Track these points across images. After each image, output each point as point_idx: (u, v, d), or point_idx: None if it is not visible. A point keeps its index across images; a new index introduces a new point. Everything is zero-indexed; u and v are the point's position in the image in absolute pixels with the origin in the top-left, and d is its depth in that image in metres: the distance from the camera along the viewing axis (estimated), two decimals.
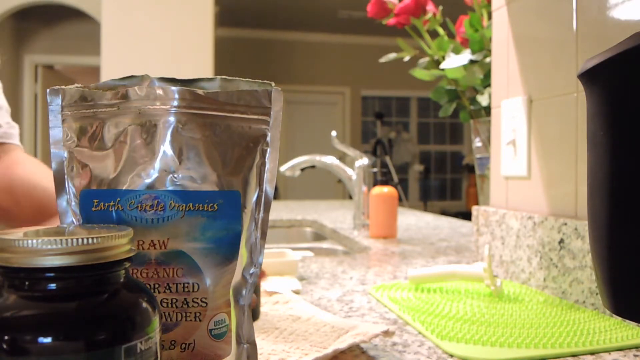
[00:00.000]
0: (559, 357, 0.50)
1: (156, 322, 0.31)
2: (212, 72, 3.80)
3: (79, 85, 0.36)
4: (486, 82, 1.07)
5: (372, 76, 6.95)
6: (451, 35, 1.20)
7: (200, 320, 0.35)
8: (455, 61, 1.08)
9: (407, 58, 1.26)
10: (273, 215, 1.84)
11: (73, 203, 0.36)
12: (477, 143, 1.10)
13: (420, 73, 1.20)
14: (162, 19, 3.63)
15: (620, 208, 0.38)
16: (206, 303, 0.35)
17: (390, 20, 1.24)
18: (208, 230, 0.35)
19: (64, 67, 6.40)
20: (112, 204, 0.35)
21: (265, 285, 0.74)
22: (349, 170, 1.54)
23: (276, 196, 6.32)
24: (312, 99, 7.03)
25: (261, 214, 0.37)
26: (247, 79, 0.38)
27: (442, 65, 1.12)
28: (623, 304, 0.39)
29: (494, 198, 0.90)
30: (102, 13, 3.68)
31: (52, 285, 0.28)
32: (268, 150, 0.37)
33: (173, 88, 0.35)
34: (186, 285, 0.35)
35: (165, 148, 0.35)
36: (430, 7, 1.21)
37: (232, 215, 0.35)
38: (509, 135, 0.85)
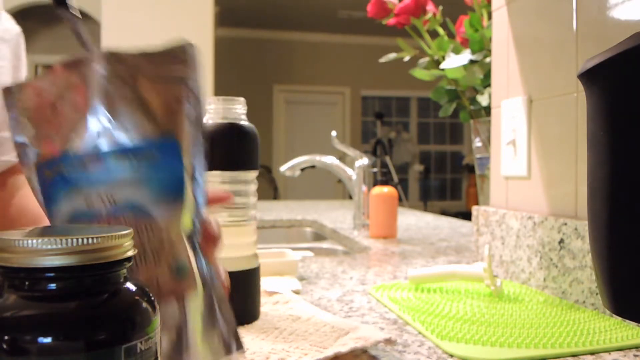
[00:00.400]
0: (559, 357, 0.50)
1: (156, 322, 0.31)
2: (212, 72, 3.80)
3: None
4: (486, 82, 1.07)
5: (372, 76, 6.95)
6: (451, 35, 1.20)
7: (159, 259, 0.36)
8: (455, 61, 1.08)
9: (407, 58, 1.26)
10: (273, 215, 1.84)
11: (34, 181, 0.37)
12: (477, 143, 1.10)
13: (420, 73, 1.20)
14: (162, 19, 3.63)
15: (620, 208, 0.38)
16: (162, 245, 0.36)
17: (390, 20, 1.24)
18: (151, 176, 0.36)
19: None
20: (56, 169, 0.36)
21: (265, 285, 0.74)
22: (349, 170, 1.54)
23: (276, 196, 6.32)
24: (312, 99, 7.03)
25: (198, 157, 0.38)
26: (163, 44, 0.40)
27: (442, 65, 1.12)
28: (623, 304, 0.39)
29: (494, 198, 0.90)
30: (102, 13, 3.68)
31: (52, 285, 0.28)
32: (193, 98, 0.38)
33: (97, 50, 0.37)
34: (141, 231, 0.36)
35: (97, 107, 0.36)
36: (430, 7, 1.21)
37: (172, 161, 0.36)
38: (509, 135, 0.85)
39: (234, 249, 0.59)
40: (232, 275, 0.59)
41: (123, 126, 0.36)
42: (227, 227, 0.59)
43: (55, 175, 0.36)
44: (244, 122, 0.61)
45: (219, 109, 0.60)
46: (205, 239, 0.39)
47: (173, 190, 0.36)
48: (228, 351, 0.38)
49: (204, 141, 0.38)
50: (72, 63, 0.37)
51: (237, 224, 0.60)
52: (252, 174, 0.61)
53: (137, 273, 0.35)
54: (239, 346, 0.38)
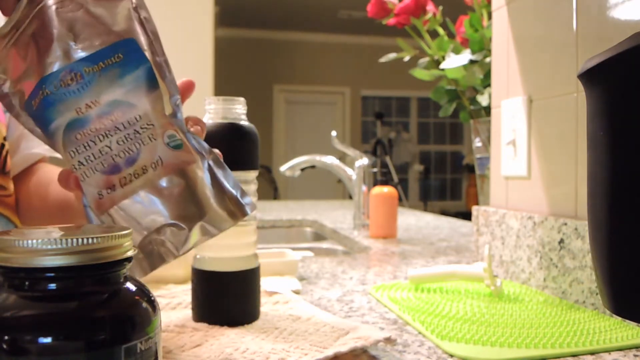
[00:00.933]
0: (559, 357, 0.50)
1: (156, 322, 0.31)
2: (212, 72, 3.80)
3: None
4: (486, 82, 1.07)
5: (372, 76, 6.95)
6: (451, 35, 1.20)
7: (155, 140, 0.40)
8: (455, 61, 1.08)
9: (407, 58, 1.26)
10: (273, 215, 1.84)
11: (24, 118, 0.42)
12: (477, 143, 1.10)
13: (420, 73, 1.20)
14: (162, 19, 3.62)
15: (620, 208, 0.38)
16: (152, 124, 0.41)
17: (390, 20, 1.24)
18: (124, 75, 0.40)
19: None
20: (40, 93, 0.40)
21: (265, 285, 0.74)
22: (349, 170, 1.54)
23: (276, 196, 6.32)
24: (312, 99, 7.03)
25: (161, 57, 0.43)
26: None
27: (442, 65, 1.12)
28: (623, 304, 0.39)
29: (494, 198, 0.90)
30: None
31: (52, 285, 0.28)
32: (136, 5, 0.43)
33: None
34: (130, 121, 0.40)
35: (58, 31, 0.40)
36: (430, 7, 1.21)
37: (136, 56, 0.41)
38: (509, 135, 0.85)
39: (234, 249, 0.59)
40: (233, 275, 0.60)
41: (85, 42, 0.40)
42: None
43: (41, 98, 0.40)
44: (244, 122, 0.61)
45: (219, 109, 0.60)
46: (191, 123, 0.45)
47: (146, 80, 0.41)
48: (242, 212, 0.44)
49: (155, 35, 0.43)
50: (22, 5, 0.41)
51: (237, 225, 0.60)
52: (252, 174, 0.61)
53: (142, 157, 0.40)
54: (248, 204, 0.44)
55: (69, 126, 0.40)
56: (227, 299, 0.59)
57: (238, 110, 0.60)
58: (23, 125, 0.42)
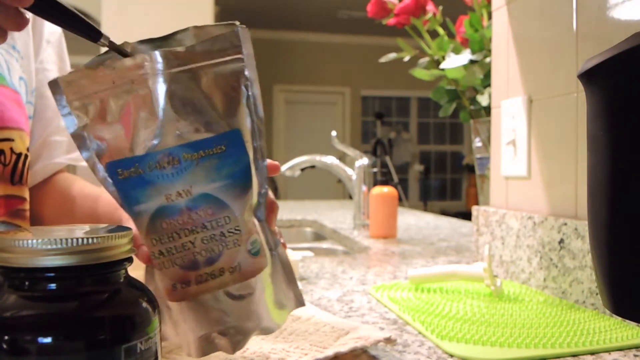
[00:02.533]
0: (559, 357, 0.50)
1: (156, 322, 0.31)
2: None
3: (71, 69, 0.39)
4: (486, 82, 1.07)
5: (372, 76, 6.94)
6: (451, 35, 1.20)
7: (239, 246, 0.40)
8: (455, 61, 1.08)
9: (407, 58, 1.26)
10: None
11: (106, 177, 0.39)
12: (477, 143, 1.10)
13: (420, 73, 1.20)
14: (162, 19, 3.63)
15: (620, 208, 0.38)
16: (240, 230, 0.40)
17: (390, 20, 1.24)
18: (222, 169, 0.39)
19: None
20: (133, 170, 0.37)
21: None
22: (349, 170, 1.54)
23: (276, 196, 6.32)
24: (312, 99, 7.03)
25: (259, 142, 0.42)
26: (215, 24, 0.41)
27: (442, 65, 1.12)
28: (623, 304, 0.39)
29: (494, 198, 0.90)
30: (102, 13, 3.68)
31: (52, 285, 0.28)
32: (249, 83, 0.41)
33: (156, 52, 0.37)
34: (218, 221, 0.39)
35: (164, 109, 0.37)
36: (430, 7, 1.21)
37: (238, 150, 0.39)
38: (509, 135, 0.85)
39: None
40: None
41: (192, 127, 0.38)
42: None
43: (132, 176, 0.38)
44: None
45: None
46: (267, 210, 0.44)
47: (242, 179, 0.40)
48: (300, 303, 0.45)
49: (260, 118, 0.41)
50: (129, 65, 0.38)
51: None
52: None
53: (222, 259, 0.39)
54: (300, 296, 0.45)
55: (157, 212, 0.38)
56: None
57: None
58: (92, 170, 0.40)
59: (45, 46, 0.71)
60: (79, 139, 0.39)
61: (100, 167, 0.39)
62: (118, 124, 0.38)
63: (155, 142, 0.37)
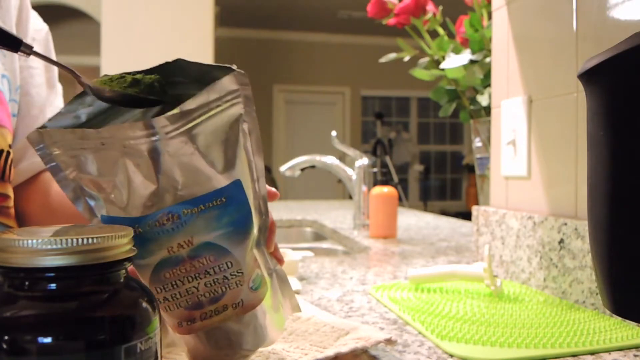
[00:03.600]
0: (559, 357, 0.50)
1: (156, 322, 0.31)
2: None
3: (54, 128, 0.38)
4: (486, 82, 1.07)
5: (372, 76, 6.95)
6: (451, 35, 1.20)
7: (241, 285, 0.40)
8: (455, 61, 1.08)
9: (407, 58, 1.26)
10: (273, 216, 1.83)
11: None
12: (477, 143, 1.10)
13: (420, 73, 1.20)
14: (162, 19, 3.63)
15: (621, 208, 0.38)
16: (242, 272, 0.40)
17: (390, 20, 1.24)
18: (223, 218, 0.38)
19: None
20: (134, 229, 0.36)
21: None
22: (349, 170, 1.54)
23: None
24: (312, 99, 7.03)
25: (259, 183, 0.42)
26: (207, 63, 0.40)
27: (442, 65, 1.12)
28: (623, 304, 0.39)
29: (494, 198, 0.90)
30: (102, 13, 3.67)
31: (52, 285, 0.28)
32: (247, 126, 0.40)
33: (151, 120, 0.35)
34: (221, 266, 0.39)
35: (162, 173, 0.36)
36: (430, 7, 1.21)
37: (239, 199, 0.39)
38: (509, 135, 0.85)
39: None
40: None
41: (191, 188, 0.37)
42: None
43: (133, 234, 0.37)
44: None
45: None
46: (268, 232, 0.45)
47: (243, 225, 0.40)
48: (297, 308, 0.47)
49: (259, 156, 0.41)
50: (121, 129, 0.36)
51: None
52: None
53: (225, 297, 0.40)
54: (296, 305, 0.48)
55: (158, 265, 0.38)
56: None
57: None
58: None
59: (31, 44, 0.71)
60: (64, 180, 0.38)
61: (94, 216, 0.39)
62: (110, 182, 0.37)
63: (154, 204, 0.37)
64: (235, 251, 0.39)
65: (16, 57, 0.67)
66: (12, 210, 0.64)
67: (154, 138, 0.35)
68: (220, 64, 0.39)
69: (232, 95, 0.38)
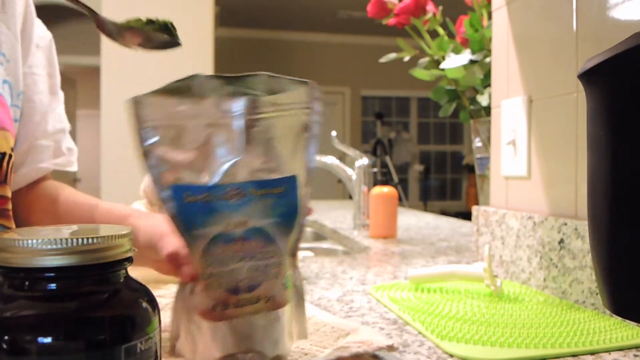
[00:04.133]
0: (559, 357, 0.50)
1: (156, 322, 0.31)
2: (212, 72, 3.80)
3: (151, 93, 0.40)
4: (486, 82, 1.07)
5: (372, 76, 6.94)
6: (451, 35, 1.20)
7: (276, 278, 0.43)
8: (455, 61, 1.08)
9: (407, 58, 1.26)
10: None
11: (167, 197, 0.41)
12: (477, 143, 1.10)
13: (420, 73, 1.20)
14: (162, 19, 3.62)
15: (621, 208, 0.38)
16: (281, 264, 0.43)
17: (390, 20, 1.24)
18: (276, 208, 0.42)
19: (64, 67, 6.38)
20: (202, 196, 0.40)
21: None
22: (349, 170, 1.54)
23: None
24: None
25: (307, 189, 0.45)
26: (288, 77, 0.45)
27: (442, 65, 1.12)
28: (623, 304, 0.39)
29: (494, 198, 0.90)
30: (102, 13, 3.67)
31: (52, 285, 0.28)
32: (313, 137, 0.45)
33: (242, 99, 0.41)
34: (265, 253, 0.42)
35: (241, 149, 0.41)
36: (430, 7, 1.21)
37: (292, 194, 0.43)
38: (509, 135, 0.85)
39: None
40: None
41: (261, 164, 0.42)
42: None
43: (200, 202, 0.40)
44: None
45: None
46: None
47: (290, 220, 0.43)
48: (304, 335, 0.47)
49: (313, 169, 0.44)
50: (212, 103, 0.41)
51: None
52: None
53: (261, 288, 0.42)
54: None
55: (215, 237, 0.41)
56: None
57: None
58: (156, 197, 0.41)
59: (35, 50, 0.70)
60: (147, 155, 0.40)
61: (162, 187, 0.40)
62: (191, 152, 0.40)
63: (227, 175, 0.40)
64: (280, 242, 0.43)
65: (20, 62, 0.67)
66: (11, 213, 0.64)
67: (240, 113, 0.41)
68: (300, 79, 0.45)
69: (305, 105, 0.44)
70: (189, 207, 0.40)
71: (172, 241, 0.50)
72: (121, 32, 0.47)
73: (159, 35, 0.49)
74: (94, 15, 0.48)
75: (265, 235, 0.42)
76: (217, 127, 0.40)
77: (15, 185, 0.68)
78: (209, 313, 0.42)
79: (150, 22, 0.46)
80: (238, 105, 0.41)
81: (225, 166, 0.40)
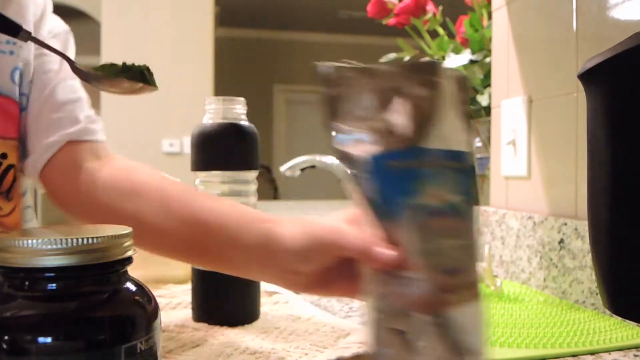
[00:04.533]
0: (559, 357, 0.50)
1: (156, 322, 0.31)
2: (212, 72, 3.80)
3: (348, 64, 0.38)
4: (486, 82, 1.07)
5: None
6: (451, 35, 1.20)
7: (476, 261, 0.39)
8: (455, 61, 1.08)
9: (407, 58, 1.26)
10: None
11: (362, 170, 0.38)
12: (477, 143, 1.10)
13: None
14: (162, 19, 3.62)
15: (621, 208, 0.38)
16: (474, 246, 0.39)
17: (390, 20, 1.24)
18: (462, 184, 0.39)
19: None
20: (409, 162, 0.37)
21: (265, 285, 0.74)
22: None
23: (276, 196, 6.32)
24: (312, 99, 7.02)
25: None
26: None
27: None
28: (623, 304, 0.39)
29: (494, 198, 0.90)
30: (102, 13, 3.68)
31: (52, 285, 0.28)
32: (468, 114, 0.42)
33: (437, 65, 0.40)
34: (464, 233, 0.38)
35: (447, 118, 0.38)
36: (430, 7, 1.21)
37: (472, 172, 0.40)
38: (509, 135, 0.85)
39: None
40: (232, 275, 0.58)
41: (458, 134, 0.39)
42: None
43: (406, 167, 0.37)
44: (244, 122, 0.61)
45: (219, 109, 0.60)
46: None
47: (472, 199, 0.40)
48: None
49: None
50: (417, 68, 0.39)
51: None
52: (252, 174, 0.61)
53: (467, 272, 0.38)
54: None
55: (421, 209, 0.36)
56: (227, 299, 0.59)
57: (238, 111, 0.61)
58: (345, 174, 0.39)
59: (47, 37, 0.66)
60: (336, 127, 0.39)
61: (357, 159, 0.37)
62: (388, 118, 0.37)
63: (435, 142, 0.37)
64: (470, 222, 0.39)
65: (32, 51, 0.63)
66: (5, 220, 0.59)
67: (448, 85, 0.38)
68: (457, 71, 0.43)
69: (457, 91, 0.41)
70: (393, 174, 0.37)
71: (351, 231, 0.41)
72: (97, 78, 0.45)
73: (132, 84, 0.46)
74: (70, 62, 0.45)
75: (459, 213, 0.38)
76: (422, 97, 0.37)
77: (30, 173, 0.61)
78: (428, 302, 0.35)
79: (125, 69, 0.44)
80: (433, 73, 0.38)
81: (433, 133, 0.37)
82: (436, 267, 0.36)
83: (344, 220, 0.44)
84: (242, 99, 0.61)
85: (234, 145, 0.60)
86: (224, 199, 0.58)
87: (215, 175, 0.60)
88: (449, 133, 0.38)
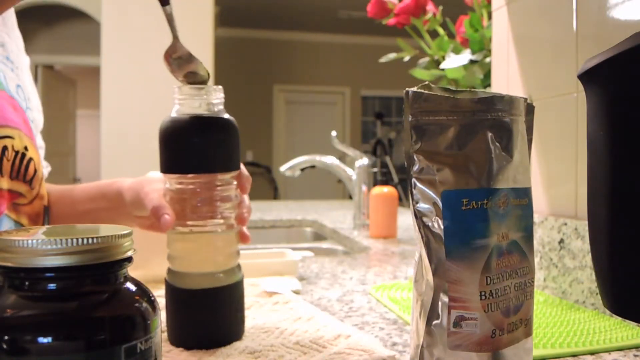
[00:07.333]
0: (559, 357, 0.50)
1: (156, 322, 0.31)
2: (212, 72, 3.80)
3: (427, 89, 0.38)
4: (486, 82, 1.07)
5: (372, 76, 6.95)
6: (451, 35, 1.20)
7: (532, 298, 0.39)
8: (455, 61, 1.08)
9: (407, 58, 1.26)
10: (273, 215, 1.84)
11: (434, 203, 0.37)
12: None
13: (420, 73, 1.20)
14: (162, 19, 3.62)
15: (621, 208, 0.38)
16: (533, 282, 0.40)
17: (390, 20, 1.24)
18: (523, 220, 0.39)
19: (64, 67, 6.40)
20: (481, 202, 0.37)
21: (265, 285, 0.74)
22: (349, 170, 1.54)
23: (276, 196, 6.32)
24: (312, 99, 7.03)
25: None
26: (517, 96, 0.41)
27: (442, 65, 1.12)
28: (623, 304, 0.39)
29: None
30: (102, 13, 3.68)
31: (52, 285, 0.28)
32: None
33: (521, 99, 0.39)
34: (523, 269, 0.39)
35: (517, 153, 0.39)
36: (430, 7, 1.21)
37: (531, 207, 0.40)
38: None
39: (211, 264, 0.52)
40: (213, 291, 0.51)
41: (521, 171, 0.39)
42: (207, 235, 0.52)
43: (477, 208, 0.37)
44: (222, 115, 0.52)
45: (190, 99, 0.51)
46: None
47: (531, 234, 0.40)
48: None
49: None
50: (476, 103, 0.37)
51: (218, 232, 0.52)
52: (231, 175, 0.53)
53: (522, 310, 0.38)
54: None
55: (493, 250, 0.36)
56: (200, 320, 0.51)
57: (214, 101, 0.52)
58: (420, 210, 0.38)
59: (25, 65, 0.73)
60: (409, 159, 0.38)
61: (429, 195, 0.37)
62: (464, 154, 0.37)
63: (502, 181, 0.37)
64: (530, 258, 0.39)
65: (25, 71, 0.71)
66: (27, 209, 0.64)
67: (520, 117, 0.39)
68: (521, 97, 0.42)
69: (525, 117, 0.42)
70: (467, 214, 0.36)
71: (157, 197, 0.53)
72: (182, 67, 0.54)
73: (200, 76, 0.54)
74: (175, 40, 0.57)
75: (520, 250, 0.38)
76: (494, 129, 0.37)
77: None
78: (488, 341, 0.36)
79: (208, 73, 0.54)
80: (518, 106, 0.39)
81: (502, 171, 0.37)
82: (498, 307, 0.37)
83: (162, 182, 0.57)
84: (219, 87, 0.53)
85: (209, 143, 0.50)
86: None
87: (189, 179, 0.51)
88: (516, 167, 0.38)
